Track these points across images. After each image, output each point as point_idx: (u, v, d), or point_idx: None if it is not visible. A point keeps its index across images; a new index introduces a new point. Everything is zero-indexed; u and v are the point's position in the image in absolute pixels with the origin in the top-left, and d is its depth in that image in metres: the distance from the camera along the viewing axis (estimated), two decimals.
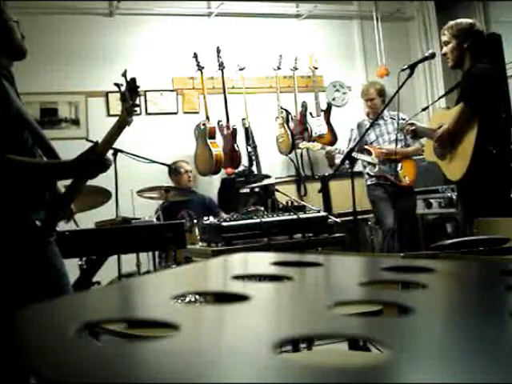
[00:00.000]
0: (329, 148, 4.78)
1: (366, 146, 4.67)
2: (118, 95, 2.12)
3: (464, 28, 3.28)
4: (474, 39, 3.26)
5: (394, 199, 4.58)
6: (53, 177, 2.06)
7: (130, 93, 2.08)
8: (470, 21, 3.36)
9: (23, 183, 1.96)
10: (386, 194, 4.60)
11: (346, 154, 3.64)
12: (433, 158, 3.45)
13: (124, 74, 2.13)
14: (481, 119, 3.13)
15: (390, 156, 4.52)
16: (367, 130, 3.97)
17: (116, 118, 2.13)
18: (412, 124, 3.58)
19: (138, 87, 2.10)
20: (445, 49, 3.34)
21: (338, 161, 4.57)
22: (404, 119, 4.66)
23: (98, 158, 2.00)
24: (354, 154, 4.42)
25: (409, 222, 4.64)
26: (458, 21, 3.35)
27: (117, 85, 2.14)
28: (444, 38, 3.34)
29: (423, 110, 3.93)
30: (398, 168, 4.59)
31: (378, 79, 5.96)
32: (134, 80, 2.11)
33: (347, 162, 3.55)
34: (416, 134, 3.60)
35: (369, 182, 4.71)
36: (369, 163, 4.64)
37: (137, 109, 2.14)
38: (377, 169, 4.58)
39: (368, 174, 4.68)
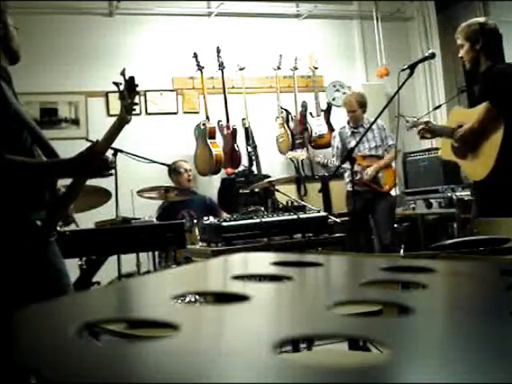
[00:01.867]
0: (318, 159, 4.89)
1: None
2: (118, 94, 2.12)
3: (474, 29, 3.27)
4: (486, 39, 3.25)
5: (372, 204, 4.72)
6: (52, 175, 2.06)
7: (129, 91, 2.09)
8: (480, 20, 3.35)
9: (23, 183, 1.96)
10: (363, 203, 4.67)
11: (347, 154, 3.64)
12: (450, 157, 3.43)
13: (122, 73, 2.14)
14: (508, 119, 3.10)
15: (371, 164, 4.71)
16: (364, 134, 4.00)
17: (116, 118, 2.13)
18: (427, 123, 3.54)
19: (137, 85, 2.11)
20: (460, 52, 3.35)
21: (330, 164, 4.80)
22: (382, 126, 4.76)
23: (97, 156, 2.00)
24: (336, 163, 4.65)
25: (387, 222, 4.75)
26: (469, 22, 3.34)
27: (116, 83, 2.14)
28: (458, 42, 3.35)
29: (428, 112, 3.94)
30: (379, 175, 4.74)
31: (378, 79, 5.98)
32: (132, 78, 2.11)
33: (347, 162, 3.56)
34: (432, 132, 3.54)
35: (348, 188, 4.80)
36: (351, 171, 4.69)
37: (136, 108, 2.14)
38: (358, 176, 4.63)
39: (350, 180, 4.73)
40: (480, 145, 3.20)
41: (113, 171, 2.15)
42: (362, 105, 4.86)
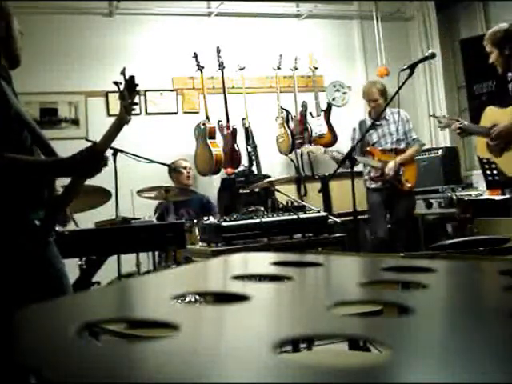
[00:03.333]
0: (334, 154, 4.63)
1: (368, 148, 4.63)
2: (118, 94, 2.12)
3: (500, 36, 3.41)
4: None
5: (392, 202, 4.56)
6: (51, 174, 2.06)
7: (129, 91, 2.08)
8: (504, 26, 3.45)
9: (22, 182, 1.96)
10: (384, 200, 4.56)
11: (347, 154, 3.63)
12: (486, 155, 3.59)
13: (123, 72, 2.13)
14: None
15: (391, 158, 4.50)
16: (367, 130, 3.97)
17: (115, 118, 2.13)
18: (459, 121, 3.65)
19: (137, 85, 2.10)
20: (491, 58, 3.47)
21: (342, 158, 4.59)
22: (406, 116, 4.65)
23: (97, 155, 2.00)
24: (357, 158, 4.31)
25: (406, 223, 4.64)
26: (495, 30, 3.48)
27: (116, 83, 2.14)
28: (487, 49, 3.47)
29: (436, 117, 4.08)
30: (401, 172, 4.54)
31: (378, 79, 5.97)
32: (132, 78, 2.11)
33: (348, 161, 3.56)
34: (464, 131, 3.66)
35: (368, 185, 4.67)
36: (372, 166, 4.60)
37: (136, 108, 2.14)
38: (379, 172, 4.54)
39: (370, 177, 4.64)
40: None
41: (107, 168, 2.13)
42: (383, 93, 4.65)
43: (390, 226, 4.60)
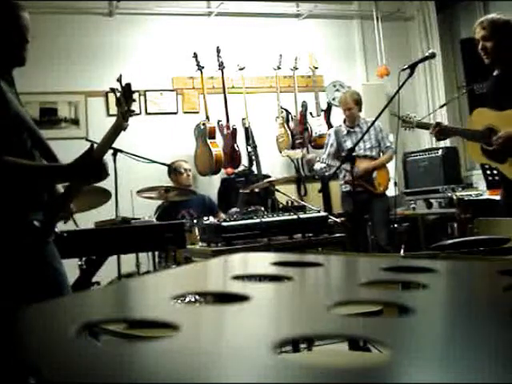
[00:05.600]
0: (309, 156, 4.93)
1: (343, 154, 4.67)
2: (115, 100, 2.12)
3: (501, 24, 3.16)
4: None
5: (367, 204, 4.70)
6: (49, 180, 2.06)
7: (125, 98, 2.08)
8: (504, 17, 3.20)
9: (21, 184, 1.96)
10: (358, 203, 4.64)
11: (347, 154, 3.63)
12: (483, 160, 3.32)
13: (119, 79, 2.13)
14: None
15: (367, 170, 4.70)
16: (364, 134, 3.98)
17: (112, 124, 2.13)
18: (439, 124, 3.42)
19: (133, 92, 2.10)
20: (486, 45, 3.18)
21: (316, 166, 4.83)
22: (379, 126, 4.75)
23: (94, 162, 2.00)
24: (332, 162, 4.63)
25: (386, 223, 4.75)
26: (495, 16, 3.22)
27: (112, 89, 2.14)
28: (483, 33, 3.16)
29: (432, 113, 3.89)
30: (374, 175, 4.73)
31: (378, 79, 5.98)
32: (128, 85, 2.10)
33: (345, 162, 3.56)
34: (444, 133, 3.44)
35: (343, 189, 4.81)
36: (346, 170, 4.68)
37: (135, 110, 2.14)
38: (350, 177, 4.62)
39: (345, 180, 4.74)
40: None
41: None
42: (358, 102, 4.85)
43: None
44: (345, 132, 4.84)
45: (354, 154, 4.63)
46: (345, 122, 4.93)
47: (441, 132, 3.38)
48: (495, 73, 3.26)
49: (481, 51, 3.20)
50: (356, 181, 4.62)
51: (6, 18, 2.00)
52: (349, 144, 4.75)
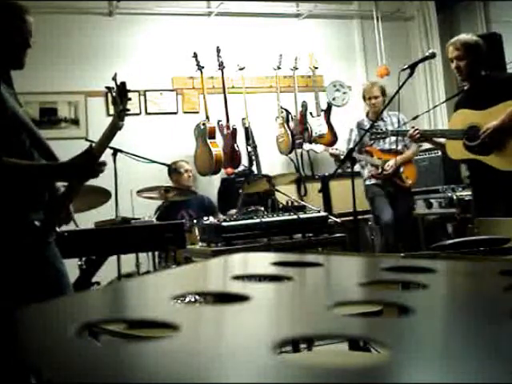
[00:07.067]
0: (332, 151, 4.70)
1: (366, 148, 4.64)
2: (110, 99, 2.12)
3: (473, 44, 3.52)
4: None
5: (392, 199, 4.58)
6: (47, 179, 2.06)
7: (121, 97, 2.08)
8: (475, 38, 3.59)
9: (22, 184, 1.96)
10: (385, 193, 4.61)
11: (347, 154, 3.63)
12: (464, 156, 3.50)
13: (114, 78, 2.13)
14: None
15: (390, 157, 4.57)
16: (366, 131, 3.97)
17: (108, 124, 2.14)
18: (416, 129, 3.62)
19: (128, 91, 2.10)
20: (459, 64, 3.50)
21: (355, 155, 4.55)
22: (403, 119, 4.68)
23: (92, 161, 2.01)
24: (356, 156, 4.36)
25: (407, 220, 4.66)
26: (467, 36, 3.58)
27: (108, 88, 2.14)
28: (457, 53, 3.50)
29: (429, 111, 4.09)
30: (401, 170, 4.61)
31: (378, 79, 5.97)
32: (123, 84, 2.10)
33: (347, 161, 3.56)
34: (423, 137, 3.65)
35: (368, 182, 4.70)
36: (371, 164, 4.64)
37: (130, 109, 2.14)
38: (379, 170, 4.57)
39: (371, 174, 4.66)
40: (508, 139, 3.34)
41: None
42: (383, 92, 4.68)
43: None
44: (367, 126, 4.44)
45: (377, 147, 4.61)
46: (367, 115, 4.76)
47: (420, 135, 3.59)
48: (466, 87, 3.58)
49: (454, 69, 3.54)
50: (384, 176, 4.57)
51: (11, 21, 2.00)
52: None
